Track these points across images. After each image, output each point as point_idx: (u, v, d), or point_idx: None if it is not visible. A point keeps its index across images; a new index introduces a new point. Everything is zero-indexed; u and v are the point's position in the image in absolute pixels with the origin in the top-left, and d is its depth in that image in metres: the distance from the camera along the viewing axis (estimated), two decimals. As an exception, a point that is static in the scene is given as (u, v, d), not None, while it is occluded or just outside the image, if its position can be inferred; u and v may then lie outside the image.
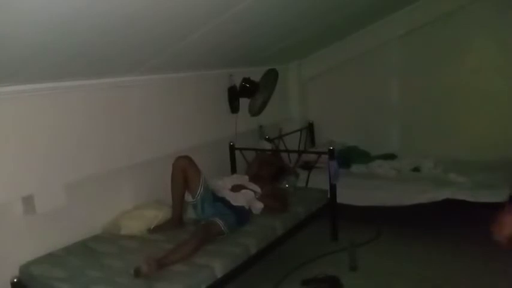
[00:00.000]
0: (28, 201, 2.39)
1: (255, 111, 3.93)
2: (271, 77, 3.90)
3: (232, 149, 3.93)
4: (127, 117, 2.90)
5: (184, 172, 2.85)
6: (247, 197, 3.07)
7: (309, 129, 4.83)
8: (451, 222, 3.67)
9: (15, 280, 2.33)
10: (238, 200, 3.00)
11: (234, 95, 3.78)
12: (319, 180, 3.69)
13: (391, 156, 4.23)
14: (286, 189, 3.51)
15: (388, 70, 4.53)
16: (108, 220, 2.86)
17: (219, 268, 2.36)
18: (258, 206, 3.06)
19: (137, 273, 2.19)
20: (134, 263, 2.27)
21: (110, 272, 2.29)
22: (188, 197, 2.93)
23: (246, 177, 3.38)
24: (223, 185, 3.16)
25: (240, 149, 3.94)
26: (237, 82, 3.79)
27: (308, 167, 3.97)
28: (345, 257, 3.16)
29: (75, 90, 2.57)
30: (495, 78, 4.04)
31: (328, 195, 3.52)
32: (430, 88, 4.33)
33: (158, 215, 2.89)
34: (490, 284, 2.82)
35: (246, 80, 3.78)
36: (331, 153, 3.45)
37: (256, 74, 3.85)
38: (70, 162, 2.55)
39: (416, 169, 4.00)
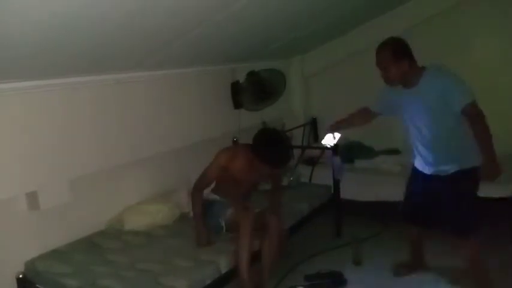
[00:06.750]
0: (32, 198, 2.40)
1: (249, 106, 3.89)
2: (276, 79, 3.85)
3: (235, 144, 3.92)
4: (131, 113, 2.90)
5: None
6: None
7: (312, 124, 4.81)
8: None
9: (20, 276, 2.34)
10: None
11: (237, 90, 3.76)
12: (322, 176, 3.68)
13: (395, 151, 4.21)
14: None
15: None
16: (112, 216, 2.87)
17: (223, 264, 2.37)
18: None
19: None
20: (138, 258, 2.27)
21: (114, 267, 2.30)
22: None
23: None
24: None
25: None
26: (240, 77, 3.78)
27: (311, 162, 3.97)
28: (349, 252, 3.17)
29: (80, 87, 2.56)
30: (500, 73, 4.01)
31: (332, 191, 3.52)
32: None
33: (162, 209, 2.90)
34: (493, 276, 2.81)
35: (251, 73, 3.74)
36: (334, 149, 3.45)
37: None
38: (74, 158, 2.55)
39: (420, 164, 3.98)
